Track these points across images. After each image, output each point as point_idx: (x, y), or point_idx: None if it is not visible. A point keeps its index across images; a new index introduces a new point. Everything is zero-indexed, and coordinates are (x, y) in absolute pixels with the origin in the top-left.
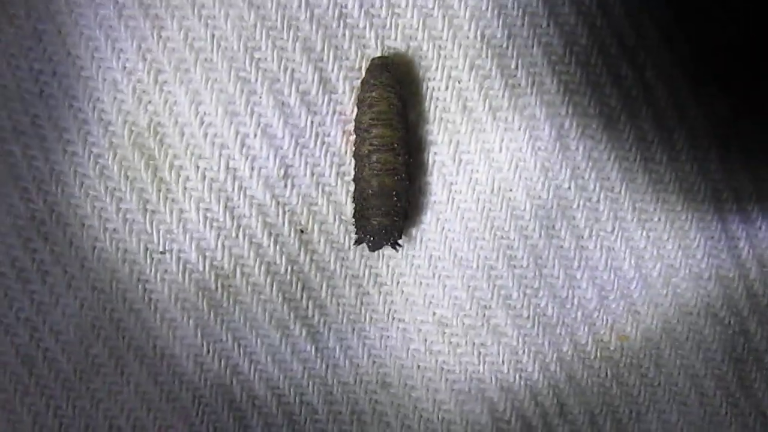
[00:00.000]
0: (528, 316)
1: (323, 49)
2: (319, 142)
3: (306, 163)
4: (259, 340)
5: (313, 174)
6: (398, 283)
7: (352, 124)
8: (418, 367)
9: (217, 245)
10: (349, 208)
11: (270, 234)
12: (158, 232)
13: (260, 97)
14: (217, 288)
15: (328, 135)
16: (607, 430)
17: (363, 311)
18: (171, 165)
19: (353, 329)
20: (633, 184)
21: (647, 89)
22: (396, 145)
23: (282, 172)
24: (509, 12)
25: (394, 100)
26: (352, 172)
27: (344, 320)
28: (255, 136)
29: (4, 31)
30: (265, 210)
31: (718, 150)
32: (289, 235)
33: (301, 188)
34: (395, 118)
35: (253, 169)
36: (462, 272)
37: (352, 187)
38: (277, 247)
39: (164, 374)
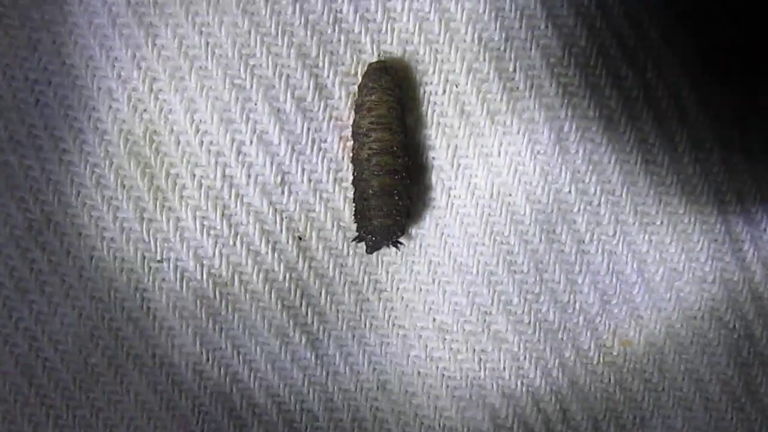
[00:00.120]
0: (529, 322)
1: (318, 54)
2: (315, 148)
3: (303, 170)
4: (258, 348)
5: (310, 180)
6: (398, 289)
7: (349, 129)
8: (419, 373)
9: (214, 253)
10: (347, 214)
11: (268, 241)
12: (155, 240)
13: (256, 104)
14: (215, 296)
15: (325, 141)
16: None
17: (363, 318)
18: (167, 173)
19: (353, 336)
20: (634, 186)
21: (648, 90)
22: (396, 148)
23: (279, 178)
24: (507, 14)
25: (393, 104)
26: (350, 177)
27: (344, 327)
28: (251, 143)
29: (0, 42)
30: (263, 217)
31: (721, 151)
32: (288, 242)
33: (299, 195)
34: (394, 122)
35: (249, 176)
36: (462, 278)
37: (350, 193)
38: (276, 255)
39: (163, 383)
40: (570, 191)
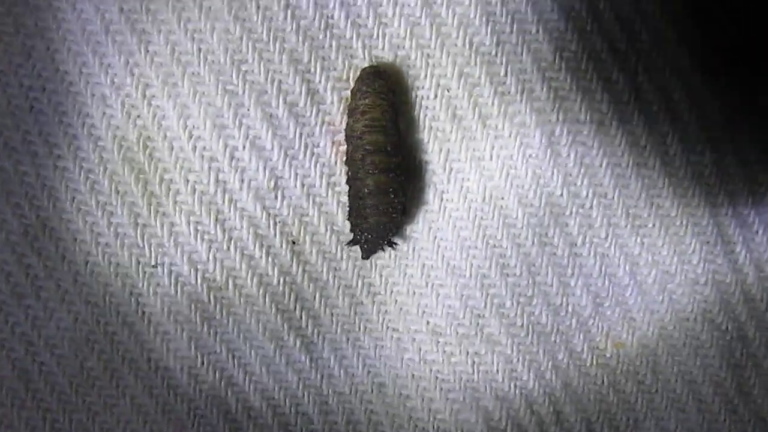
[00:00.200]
0: (522, 325)
1: (310, 60)
2: (308, 153)
3: (296, 174)
4: (253, 352)
5: (303, 185)
6: (392, 292)
7: (342, 134)
8: (413, 376)
9: (208, 258)
10: (340, 218)
11: (262, 245)
12: (150, 245)
13: (248, 110)
14: (209, 300)
15: (318, 146)
16: None
17: (357, 321)
18: (161, 179)
19: (347, 339)
20: (626, 189)
21: (639, 94)
22: (389, 148)
23: (272, 183)
24: (498, 19)
25: (386, 107)
26: (344, 179)
27: (338, 330)
28: (244, 148)
29: None
30: (256, 222)
31: (712, 154)
32: (281, 246)
33: (292, 199)
34: (388, 124)
35: (243, 181)
36: (455, 281)
37: (343, 197)
38: (269, 259)
39: (159, 386)
40: (562, 194)
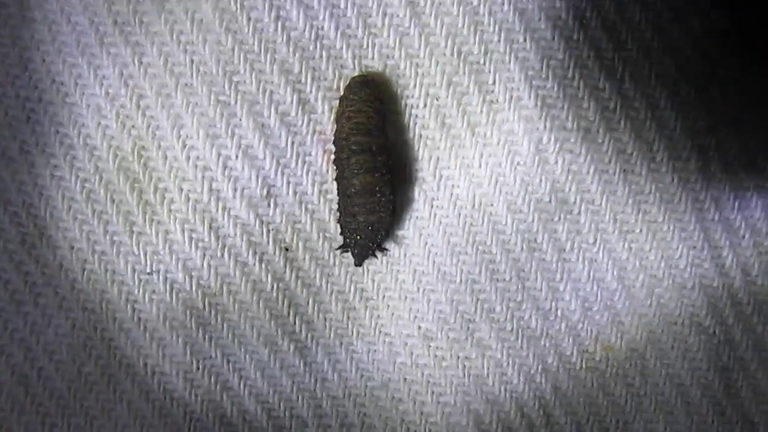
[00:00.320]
0: (512, 329)
1: (301, 70)
2: (300, 162)
3: (288, 183)
4: (247, 356)
5: (295, 193)
6: (384, 297)
7: (333, 143)
8: (405, 380)
9: (203, 265)
10: (333, 225)
11: (255, 253)
12: (145, 253)
13: (240, 120)
14: (204, 306)
15: (309, 154)
16: None
17: (350, 326)
18: (156, 188)
19: (341, 343)
20: (614, 196)
21: (625, 101)
22: (374, 148)
23: (265, 191)
24: (485, 28)
25: (372, 113)
26: (334, 184)
27: (332, 335)
28: (237, 157)
29: None
30: (250, 229)
31: (698, 161)
32: (274, 253)
33: (285, 207)
34: (373, 128)
35: (236, 189)
36: (446, 286)
37: (335, 204)
38: (263, 265)
39: (155, 391)
40: (550, 201)
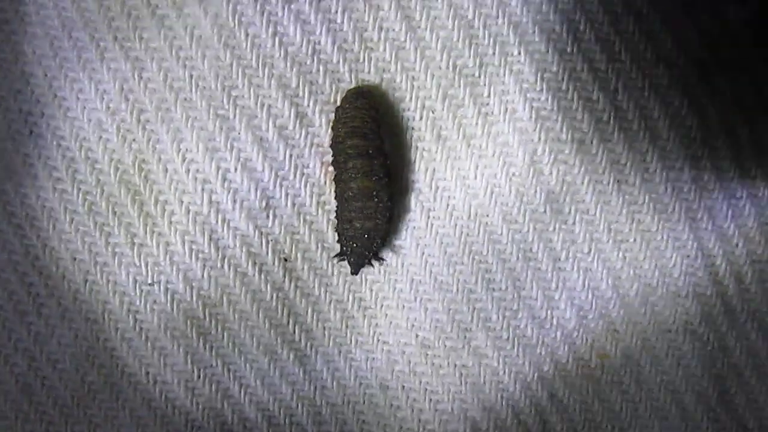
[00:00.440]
0: (508, 338)
1: (298, 84)
2: (298, 174)
3: (287, 194)
4: (248, 365)
5: (294, 204)
6: (382, 306)
7: (330, 155)
8: (403, 387)
9: (203, 275)
10: (331, 235)
11: (255, 263)
12: (146, 264)
13: (239, 133)
14: (205, 316)
15: (307, 166)
16: None
17: (348, 334)
18: (156, 200)
19: (340, 352)
20: (608, 206)
21: (619, 113)
22: (371, 151)
23: (264, 203)
24: (480, 42)
25: (367, 118)
26: (332, 196)
27: (330, 343)
28: (236, 170)
29: None
30: (249, 240)
31: (691, 170)
32: (274, 263)
33: (283, 218)
34: (369, 132)
35: (235, 201)
36: (443, 296)
37: (332, 216)
38: (262, 276)
39: (157, 399)
40: (545, 211)
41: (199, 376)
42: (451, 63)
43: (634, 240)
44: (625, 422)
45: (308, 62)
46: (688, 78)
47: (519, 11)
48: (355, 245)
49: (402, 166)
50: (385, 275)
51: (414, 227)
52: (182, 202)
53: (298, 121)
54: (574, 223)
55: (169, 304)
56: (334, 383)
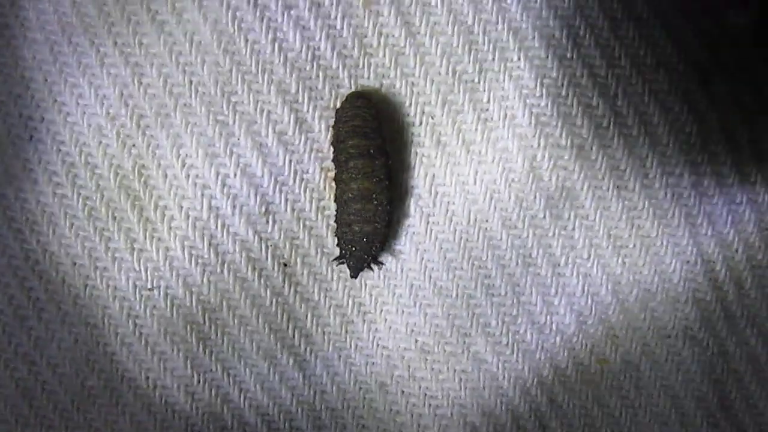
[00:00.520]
0: (507, 343)
1: (298, 90)
2: (298, 179)
3: (286, 200)
4: (247, 369)
5: (293, 210)
6: (381, 311)
7: (330, 160)
8: (403, 392)
9: (203, 281)
10: (330, 241)
11: (254, 268)
12: (146, 269)
13: (239, 139)
14: (205, 321)
15: (307, 172)
16: None
17: (348, 339)
18: (156, 205)
19: (339, 356)
20: (607, 211)
21: (618, 119)
22: (372, 151)
23: (263, 209)
24: (480, 47)
25: (368, 117)
26: (331, 201)
27: (330, 348)
28: (235, 175)
29: None
30: (249, 246)
31: (691, 176)
32: (273, 268)
33: (283, 223)
34: (371, 132)
35: (235, 207)
36: (442, 301)
37: (332, 221)
38: (262, 281)
39: (157, 404)
40: (545, 217)
41: (198, 381)
42: (450, 68)
43: (634, 245)
44: (624, 427)
45: (308, 68)
46: (688, 83)
47: (519, 17)
48: (354, 249)
49: (401, 172)
50: (385, 280)
51: (413, 232)
52: (182, 207)
53: (297, 127)
54: (573, 229)
55: (168, 309)
56: (334, 388)
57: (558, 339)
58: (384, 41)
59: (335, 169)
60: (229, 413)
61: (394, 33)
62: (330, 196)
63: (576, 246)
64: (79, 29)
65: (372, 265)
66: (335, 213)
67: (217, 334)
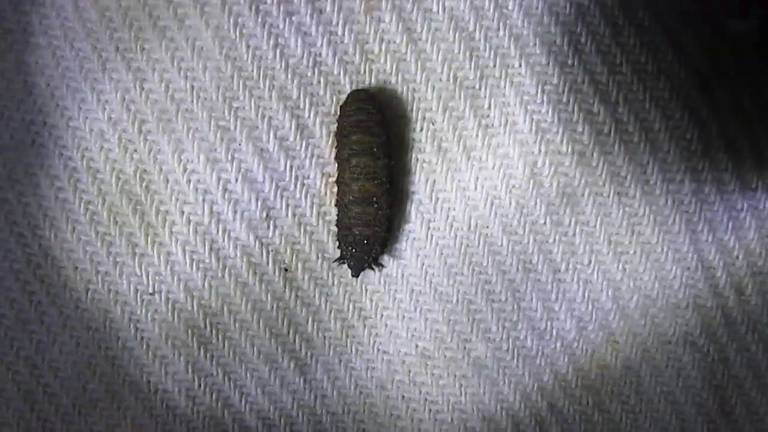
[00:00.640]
0: (508, 349)
1: (299, 96)
2: (299, 185)
3: (287, 205)
4: (248, 374)
5: (294, 215)
6: (382, 316)
7: (331, 165)
8: (403, 397)
9: (204, 285)
10: (331, 246)
11: (255, 273)
12: (147, 274)
13: (240, 144)
14: (206, 326)
15: (308, 177)
16: None
17: (349, 344)
18: (157, 210)
19: (340, 361)
20: (608, 218)
21: (619, 125)
22: (375, 149)
23: (264, 214)
24: (481, 54)
25: (373, 111)
26: (332, 206)
27: (331, 353)
28: (236, 181)
29: None
30: (250, 250)
31: (692, 182)
32: (274, 273)
33: (284, 229)
34: (375, 126)
35: (236, 212)
36: (442, 306)
37: (333, 226)
38: (263, 286)
39: (158, 408)
40: (545, 223)
41: (199, 385)
42: (451, 75)
43: (634, 252)
44: None
45: (309, 74)
46: (689, 90)
47: (520, 23)
48: (354, 251)
49: (402, 176)
50: (385, 285)
51: (414, 238)
52: (183, 212)
53: (298, 133)
54: (574, 235)
55: (170, 314)
56: (335, 392)
57: (558, 345)
58: (385, 47)
59: (337, 168)
60: (230, 417)
61: (396, 39)
62: (331, 202)
63: (576, 252)
64: (81, 34)
65: (373, 266)
66: (336, 217)
67: (218, 339)
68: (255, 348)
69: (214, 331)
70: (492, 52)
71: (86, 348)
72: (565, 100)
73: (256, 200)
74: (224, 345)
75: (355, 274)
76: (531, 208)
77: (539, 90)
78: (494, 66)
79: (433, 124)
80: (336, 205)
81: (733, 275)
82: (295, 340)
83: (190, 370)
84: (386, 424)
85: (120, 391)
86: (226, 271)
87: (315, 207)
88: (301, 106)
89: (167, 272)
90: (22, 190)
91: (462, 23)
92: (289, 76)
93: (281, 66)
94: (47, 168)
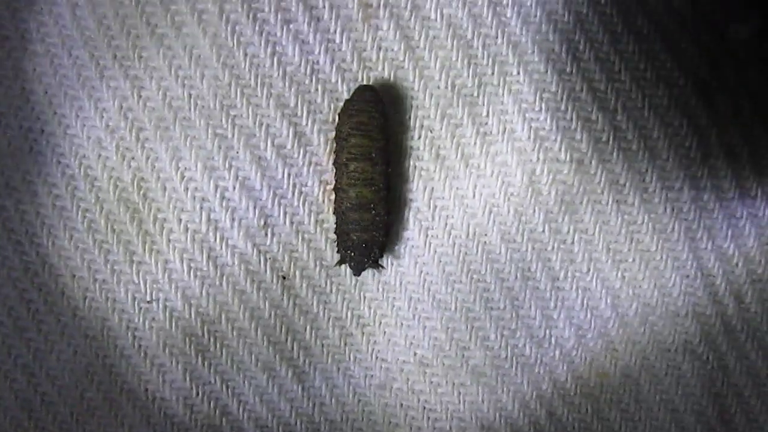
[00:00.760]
0: (506, 357)
1: (297, 104)
2: (296, 193)
3: (285, 213)
4: (246, 382)
5: (292, 222)
6: (380, 324)
7: (328, 173)
8: (401, 405)
9: (202, 293)
10: (329, 254)
11: (253, 281)
12: (145, 282)
13: (238, 152)
14: (203, 333)
15: (305, 185)
16: None
17: (347, 351)
18: (155, 218)
19: (338, 369)
20: (607, 226)
21: (618, 133)
22: (374, 155)
23: (262, 221)
24: (479, 61)
25: (375, 113)
26: (330, 214)
27: (329, 360)
28: (234, 188)
29: None
30: (248, 258)
31: (691, 190)
32: (272, 281)
33: (282, 236)
34: (374, 130)
35: (233, 219)
36: (441, 314)
37: (331, 234)
38: (261, 293)
39: (156, 416)
40: (544, 231)
41: (197, 393)
42: (449, 82)
43: (633, 259)
44: None
45: (307, 82)
46: (688, 98)
47: (518, 31)
48: (353, 254)
49: (400, 183)
50: (384, 293)
51: (412, 246)
52: (181, 220)
53: (296, 140)
54: (572, 243)
55: (167, 322)
56: (333, 400)
57: (557, 352)
58: (383, 55)
59: (335, 174)
60: (228, 425)
61: (393, 47)
62: (328, 209)
63: (575, 260)
64: (79, 42)
65: (373, 267)
66: (334, 224)
67: (216, 347)
68: (253, 356)
69: (211, 339)
70: (490, 60)
71: (84, 356)
72: (563, 107)
73: (254, 208)
74: (222, 353)
75: (357, 273)
76: (529, 216)
77: (538, 97)
78: (492, 73)
79: (431, 131)
80: (334, 213)
81: (733, 283)
82: (293, 348)
83: (187, 378)
84: None
85: (118, 399)
86: (224, 278)
87: (313, 214)
88: (299, 113)
89: (165, 280)
90: (20, 197)
91: (460, 31)
92: (287, 83)
93: (279, 74)
94: (45, 175)
